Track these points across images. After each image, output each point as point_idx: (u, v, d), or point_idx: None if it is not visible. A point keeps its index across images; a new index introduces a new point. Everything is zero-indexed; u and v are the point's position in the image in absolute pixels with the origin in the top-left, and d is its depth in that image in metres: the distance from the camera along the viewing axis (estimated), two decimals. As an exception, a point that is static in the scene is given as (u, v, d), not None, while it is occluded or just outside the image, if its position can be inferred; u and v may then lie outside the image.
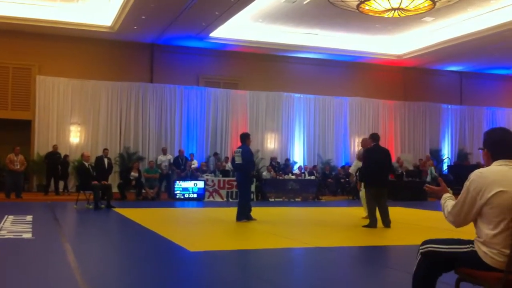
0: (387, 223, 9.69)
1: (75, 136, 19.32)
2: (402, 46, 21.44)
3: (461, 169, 20.47)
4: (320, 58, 21.97)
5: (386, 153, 10.06)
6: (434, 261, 3.54)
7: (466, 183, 3.46)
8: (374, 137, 10.16)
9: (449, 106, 24.51)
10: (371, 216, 9.74)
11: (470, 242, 3.52)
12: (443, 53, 20.74)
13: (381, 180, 9.84)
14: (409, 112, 23.74)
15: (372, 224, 9.66)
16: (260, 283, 5.17)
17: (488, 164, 3.57)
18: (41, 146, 18.57)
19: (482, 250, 3.42)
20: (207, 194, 16.65)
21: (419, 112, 23.85)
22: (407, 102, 23.67)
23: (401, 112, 23.67)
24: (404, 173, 19.40)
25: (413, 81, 23.77)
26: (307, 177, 19.00)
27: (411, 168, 20.78)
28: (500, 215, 3.34)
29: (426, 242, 3.65)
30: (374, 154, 9.85)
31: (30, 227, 8.98)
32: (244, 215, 10.20)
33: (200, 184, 16.80)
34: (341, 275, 5.73)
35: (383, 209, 9.76)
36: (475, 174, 3.46)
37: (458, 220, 3.45)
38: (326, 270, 6.01)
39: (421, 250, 3.63)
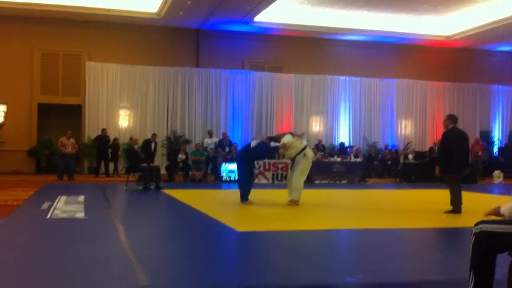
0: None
1: (123, 120, 19.76)
2: (451, 26, 20.89)
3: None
4: (366, 40, 21.67)
5: (466, 137, 9.61)
6: (487, 242, 3.49)
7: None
8: (453, 118, 9.58)
9: (500, 87, 23.80)
10: (455, 202, 9.26)
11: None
12: (494, 33, 20.13)
13: (464, 165, 9.56)
14: (459, 93, 23.20)
15: (456, 210, 9.21)
16: (307, 261, 5.20)
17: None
18: (91, 130, 19.08)
19: (538, 230, 3.35)
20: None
21: (468, 93, 23.28)
22: (456, 83, 23.12)
23: (450, 93, 23.14)
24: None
25: (463, 62, 23.18)
26: (353, 159, 18.86)
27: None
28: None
29: (479, 223, 3.59)
30: (454, 136, 9.32)
31: (83, 207, 9.24)
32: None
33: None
34: (388, 256, 5.69)
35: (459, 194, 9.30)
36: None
37: None
38: (373, 251, 5.98)
39: (474, 231, 3.58)
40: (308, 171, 10.42)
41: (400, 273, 4.75)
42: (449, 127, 9.42)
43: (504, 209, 3.45)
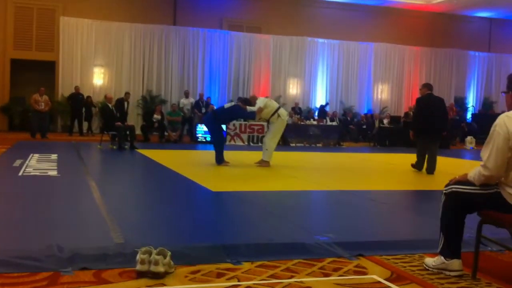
0: (431, 170, 9.82)
1: (98, 78, 19.45)
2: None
3: (486, 118, 20.18)
4: (346, 2, 21.50)
5: (441, 102, 10.09)
6: (457, 201, 3.55)
7: (493, 128, 3.40)
8: (429, 86, 10.15)
9: (477, 54, 24.00)
10: (418, 160, 10.00)
11: (495, 184, 3.51)
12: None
13: (436, 129, 9.88)
14: (436, 58, 23.33)
15: (418, 166, 9.98)
16: (280, 220, 5.26)
17: (511, 107, 3.52)
18: (65, 88, 18.76)
19: (508, 192, 3.41)
20: (228, 137, 16.71)
21: (445, 59, 23.42)
22: (433, 48, 23.21)
23: (427, 58, 23.26)
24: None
25: (441, 27, 23.21)
26: (329, 123, 18.94)
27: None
28: (528, 156, 3.31)
29: (449, 184, 3.66)
30: (428, 102, 9.87)
31: (56, 165, 9.16)
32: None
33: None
34: (361, 217, 5.78)
35: (431, 157, 9.85)
36: (501, 118, 3.41)
37: (496, 167, 3.35)
38: (346, 212, 6.07)
39: (444, 191, 3.65)
40: (281, 132, 10.52)
41: (372, 233, 4.83)
42: (424, 93, 9.99)
43: (471, 175, 3.52)
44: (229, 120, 10.93)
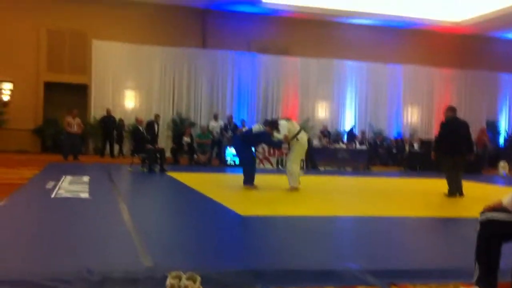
0: (459, 192, 9.98)
1: (129, 100, 19.75)
2: (461, 12, 20.68)
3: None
4: (374, 24, 21.50)
5: (465, 126, 10.26)
6: (493, 230, 3.47)
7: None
8: (452, 109, 10.41)
9: (508, 76, 23.61)
10: (449, 184, 10.02)
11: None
12: (504, 20, 19.89)
13: (459, 150, 10.02)
14: (466, 81, 23.02)
15: (451, 193, 9.96)
16: (309, 246, 5.21)
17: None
18: (97, 110, 19.06)
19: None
20: (257, 161, 16.71)
21: (476, 81, 23.05)
22: (464, 70, 22.93)
23: (457, 81, 22.98)
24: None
25: (471, 49, 22.93)
26: (358, 146, 18.82)
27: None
28: None
29: (484, 211, 3.58)
30: (452, 126, 10.09)
31: (87, 187, 9.25)
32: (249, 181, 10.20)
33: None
34: (391, 244, 5.69)
35: (457, 179, 10.01)
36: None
37: None
38: (377, 238, 5.97)
39: (480, 220, 3.57)
40: (302, 155, 10.48)
41: (403, 260, 4.74)
42: (448, 116, 10.26)
43: (506, 202, 3.44)
44: (257, 144, 10.93)
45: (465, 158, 10.22)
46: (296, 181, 10.05)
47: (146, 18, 19.72)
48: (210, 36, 20.62)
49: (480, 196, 9.94)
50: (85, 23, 19.29)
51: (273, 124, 10.42)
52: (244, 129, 17.99)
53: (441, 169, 10.64)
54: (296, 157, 10.19)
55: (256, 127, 10.65)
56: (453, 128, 10.08)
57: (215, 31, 20.56)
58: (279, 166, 16.66)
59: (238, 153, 10.85)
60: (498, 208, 3.49)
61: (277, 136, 10.09)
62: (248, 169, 10.19)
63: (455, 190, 9.97)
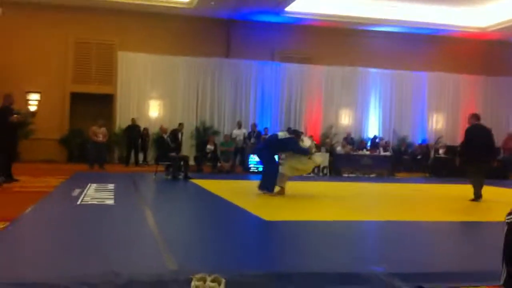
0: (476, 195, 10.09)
1: (153, 110, 19.91)
2: (486, 18, 20.44)
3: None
4: (398, 31, 21.35)
5: (488, 132, 10.42)
6: (520, 231, 3.42)
7: None
8: (476, 116, 10.64)
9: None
10: (475, 189, 10.15)
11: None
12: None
13: (482, 157, 10.16)
14: (492, 87, 22.69)
15: (476, 196, 10.09)
16: (334, 250, 5.19)
17: None
18: (122, 119, 19.26)
19: None
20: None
21: (502, 87, 22.71)
22: (489, 77, 22.61)
23: (483, 87, 22.67)
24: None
25: (497, 55, 22.60)
26: (382, 153, 18.68)
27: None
28: None
29: (511, 213, 3.53)
30: (475, 132, 10.29)
31: (112, 194, 9.36)
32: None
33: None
34: (416, 248, 5.63)
35: (478, 184, 10.15)
36: None
37: None
38: (401, 242, 5.92)
39: (507, 220, 3.52)
40: (299, 170, 10.58)
41: (430, 264, 4.69)
42: (472, 123, 10.50)
43: None
44: (282, 151, 10.89)
45: (489, 165, 10.40)
46: (282, 182, 10.06)
47: (172, 30, 19.91)
48: (234, 46, 20.72)
49: (506, 201, 9.78)
50: (112, 34, 19.56)
51: (297, 133, 10.55)
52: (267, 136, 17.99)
53: (466, 175, 10.76)
54: (295, 165, 10.27)
55: (282, 134, 10.65)
56: (476, 134, 10.26)
57: (239, 41, 20.65)
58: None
59: (262, 159, 10.80)
60: None
61: (303, 144, 10.15)
62: (272, 175, 10.17)
63: (480, 195, 10.05)
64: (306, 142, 10.32)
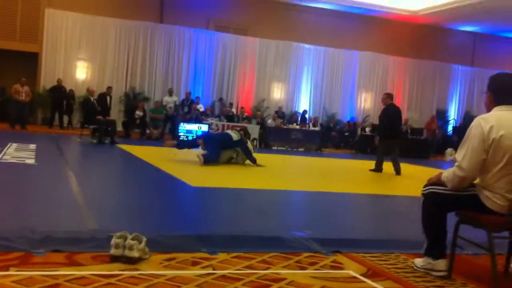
0: (399, 171, 10.76)
1: (81, 72, 19.21)
2: (418, 2, 21.01)
3: (466, 131, 20.32)
4: (334, 9, 21.57)
5: (399, 112, 11.22)
6: (435, 202, 3.57)
7: (469, 130, 3.44)
8: (390, 96, 11.42)
9: (460, 67, 24.21)
10: (379, 163, 10.95)
11: (472, 186, 3.53)
12: (459, 12, 20.32)
13: (392, 135, 10.90)
14: (419, 70, 23.48)
15: (377, 169, 10.92)
16: (258, 216, 5.25)
17: (489, 108, 3.54)
18: (47, 80, 18.48)
19: (485, 194, 3.44)
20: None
21: (429, 71, 23.56)
22: (417, 60, 23.35)
23: (411, 69, 23.42)
24: (409, 130, 19.39)
25: (426, 39, 23.35)
26: (311, 128, 18.98)
27: (415, 126, 20.76)
28: (503, 159, 3.33)
29: (427, 185, 3.68)
30: (389, 112, 10.97)
31: (34, 154, 9.05)
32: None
33: (204, 127, 16.76)
34: (340, 216, 5.78)
35: (395, 161, 10.80)
36: (477, 120, 3.45)
37: (470, 168, 3.36)
38: (324, 211, 6.06)
39: (423, 192, 3.67)
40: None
41: (350, 231, 4.83)
42: (388, 103, 11.10)
43: (444, 175, 3.55)
44: (230, 148, 10.60)
45: (398, 142, 11.09)
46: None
47: (103, -12, 19.21)
48: (168, 11, 20.24)
49: (424, 178, 10.21)
50: (38, -11, 18.62)
51: (246, 132, 10.67)
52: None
53: (378, 149, 11.43)
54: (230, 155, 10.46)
55: (235, 136, 10.38)
56: (390, 114, 10.91)
57: (173, 7, 20.19)
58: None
59: (210, 150, 10.43)
60: (439, 183, 3.58)
61: (249, 146, 10.43)
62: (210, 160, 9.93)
63: (379, 169, 10.86)
64: (249, 145, 10.55)
